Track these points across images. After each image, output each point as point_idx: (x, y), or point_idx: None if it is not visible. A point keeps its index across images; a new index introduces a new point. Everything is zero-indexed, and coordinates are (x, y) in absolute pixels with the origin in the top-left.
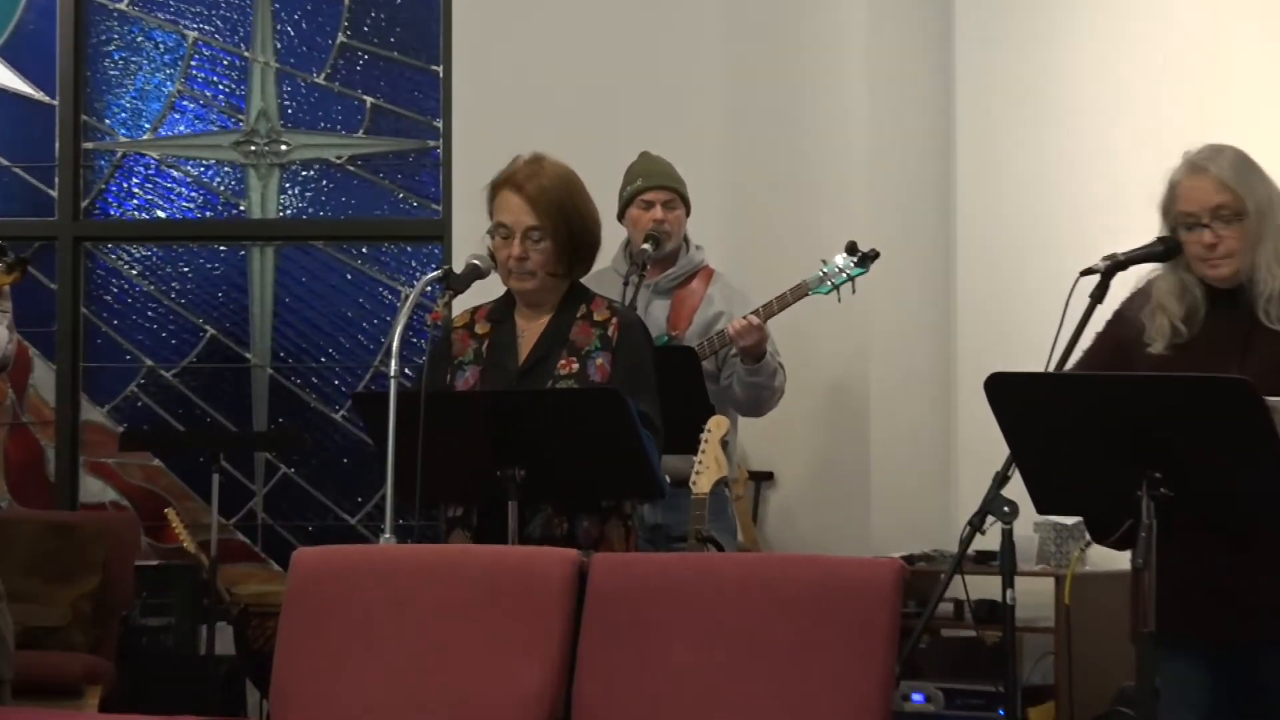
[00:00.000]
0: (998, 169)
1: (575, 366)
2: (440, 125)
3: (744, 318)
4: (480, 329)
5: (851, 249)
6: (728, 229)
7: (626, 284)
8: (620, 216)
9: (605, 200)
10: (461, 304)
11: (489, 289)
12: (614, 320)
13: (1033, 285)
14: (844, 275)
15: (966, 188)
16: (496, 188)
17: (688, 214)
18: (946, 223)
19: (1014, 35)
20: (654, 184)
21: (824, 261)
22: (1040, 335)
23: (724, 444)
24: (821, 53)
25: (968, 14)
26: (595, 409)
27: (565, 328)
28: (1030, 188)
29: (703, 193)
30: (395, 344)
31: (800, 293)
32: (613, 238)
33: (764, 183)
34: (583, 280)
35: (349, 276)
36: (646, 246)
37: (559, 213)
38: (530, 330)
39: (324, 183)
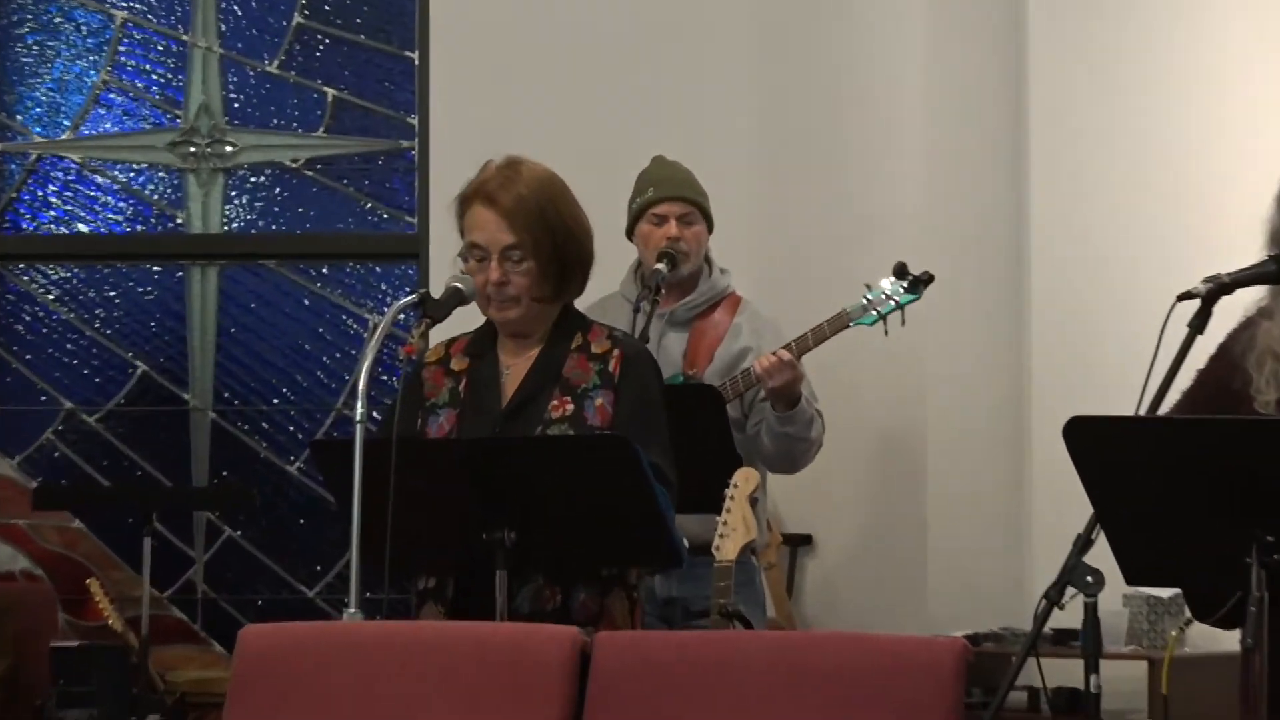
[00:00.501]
0: (1077, 188)
1: (569, 408)
2: (415, 122)
3: (774, 353)
4: (457, 365)
5: (900, 272)
6: (754, 252)
7: (637, 311)
8: (630, 233)
9: (613, 213)
10: (440, 334)
11: (470, 317)
12: (615, 352)
13: (1119, 316)
14: (891, 303)
15: (1041, 209)
16: (466, 201)
17: (710, 231)
18: (1017, 249)
19: (1094, 49)
20: (668, 194)
21: (868, 287)
22: (1128, 373)
23: (753, 502)
24: (871, 55)
25: (1042, 29)
26: (598, 459)
27: (557, 362)
28: (1114, 210)
29: (726, 208)
30: (362, 383)
31: (840, 324)
32: (623, 257)
33: (799, 199)
34: (583, 307)
35: (307, 302)
36: (660, 267)
37: (540, 225)
38: (516, 366)
39: (277, 190)
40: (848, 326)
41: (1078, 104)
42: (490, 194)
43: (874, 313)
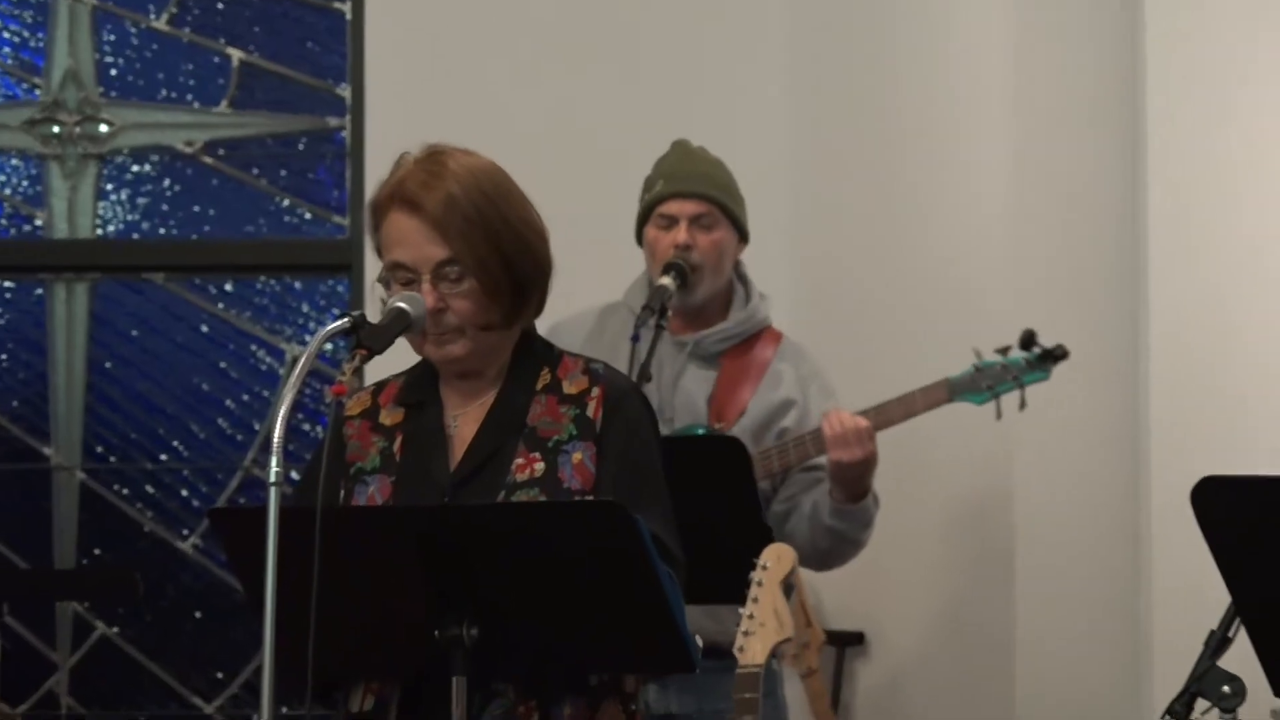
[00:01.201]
0: (1205, 214)
1: (539, 467)
2: (347, 94)
3: (847, 414)
4: (388, 419)
5: (1028, 341)
6: (789, 278)
7: (636, 339)
8: (639, 237)
9: (612, 211)
10: (378, 371)
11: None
12: (595, 391)
13: (1260, 366)
14: (1010, 380)
15: (1160, 238)
16: (379, 209)
17: (743, 241)
18: (1131, 285)
19: (1222, 59)
20: (677, 190)
21: (978, 355)
22: (1273, 432)
23: (787, 589)
24: (949, 50)
25: (1162, 50)
26: (585, 532)
27: (519, 407)
28: (1252, 241)
29: (754, 221)
30: (277, 433)
31: (938, 398)
32: (627, 265)
33: (850, 228)
34: (576, 318)
35: (205, 328)
36: (665, 283)
37: (480, 232)
38: (466, 416)
39: (166, 183)
40: (948, 401)
41: (1204, 118)
42: (411, 196)
43: (986, 390)
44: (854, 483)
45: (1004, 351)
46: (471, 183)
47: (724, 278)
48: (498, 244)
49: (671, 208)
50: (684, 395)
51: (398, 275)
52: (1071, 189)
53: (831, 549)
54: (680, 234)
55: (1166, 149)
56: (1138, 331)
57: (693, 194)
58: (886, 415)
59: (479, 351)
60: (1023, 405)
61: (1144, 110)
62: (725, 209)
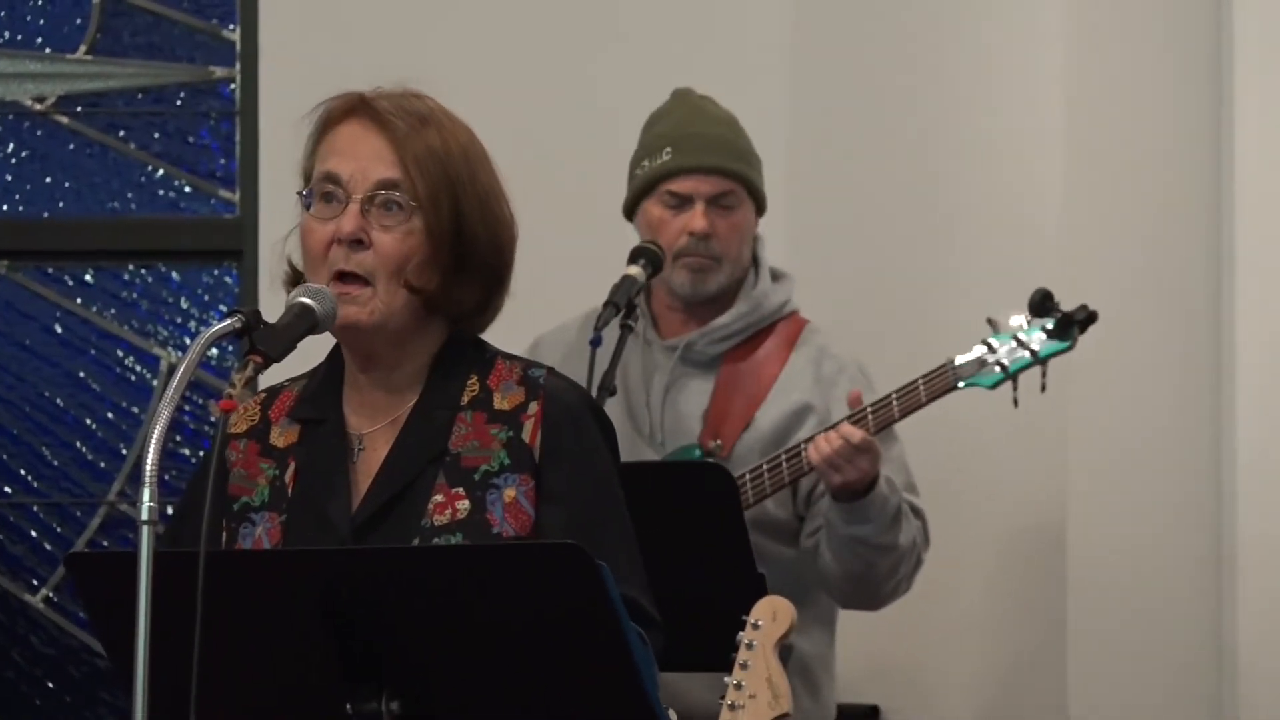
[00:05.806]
0: None
1: (463, 505)
2: (235, 37)
3: (835, 430)
4: (280, 438)
5: (1041, 305)
6: (795, 253)
7: (596, 342)
8: (629, 212)
9: (583, 193)
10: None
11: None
12: (532, 407)
13: None
14: (1025, 354)
15: (1249, 212)
16: (330, 119)
17: (760, 214)
18: (1213, 293)
19: None
20: (696, 164)
21: (992, 326)
22: None
23: (784, 652)
24: None
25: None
26: (534, 582)
27: (439, 426)
28: None
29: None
30: (150, 460)
31: (942, 384)
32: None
33: (872, 175)
34: (545, 336)
35: (59, 329)
36: (633, 272)
37: (445, 174)
38: (375, 436)
39: (9, 148)
40: (954, 388)
41: None
42: (375, 107)
43: (997, 369)
44: (857, 486)
45: (1025, 321)
46: (451, 128)
47: (743, 266)
48: (457, 196)
49: (686, 185)
50: (675, 412)
51: (323, 189)
52: (1141, 156)
53: (868, 567)
54: (697, 220)
55: (1257, 114)
56: (1220, 334)
57: (714, 169)
58: (887, 413)
59: (388, 323)
60: (1043, 386)
61: (1231, 66)
62: (748, 183)
